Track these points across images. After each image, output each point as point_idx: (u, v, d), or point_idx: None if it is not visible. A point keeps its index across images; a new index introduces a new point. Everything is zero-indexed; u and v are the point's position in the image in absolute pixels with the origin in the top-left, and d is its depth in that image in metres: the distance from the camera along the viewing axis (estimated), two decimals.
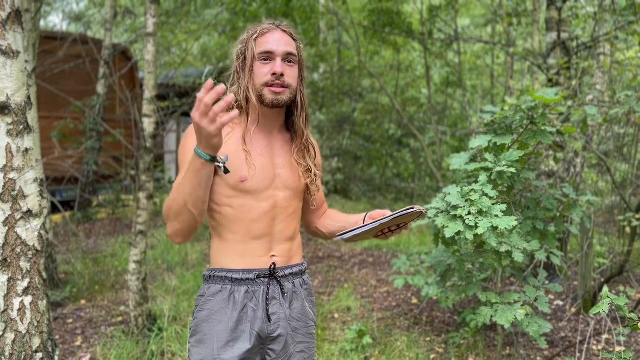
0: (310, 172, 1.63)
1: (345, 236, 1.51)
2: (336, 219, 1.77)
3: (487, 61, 12.80)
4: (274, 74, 1.49)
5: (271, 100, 1.50)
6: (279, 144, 1.61)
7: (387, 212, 1.56)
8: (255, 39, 1.52)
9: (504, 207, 2.09)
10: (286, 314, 1.60)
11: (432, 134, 10.80)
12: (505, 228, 2.05)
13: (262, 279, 1.55)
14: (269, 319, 1.55)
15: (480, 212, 2.09)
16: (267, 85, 1.50)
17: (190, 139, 1.51)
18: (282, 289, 1.58)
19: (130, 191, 9.74)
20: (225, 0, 9.71)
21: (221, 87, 1.19)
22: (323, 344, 3.52)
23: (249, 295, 1.55)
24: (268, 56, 1.50)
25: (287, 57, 1.51)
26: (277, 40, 1.51)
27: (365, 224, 1.50)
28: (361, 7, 10.96)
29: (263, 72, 1.50)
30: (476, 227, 2.06)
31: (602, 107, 4.16)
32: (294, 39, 1.55)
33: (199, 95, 1.20)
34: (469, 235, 2.07)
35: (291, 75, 1.52)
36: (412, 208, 1.46)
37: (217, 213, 1.55)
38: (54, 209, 7.49)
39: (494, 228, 2.06)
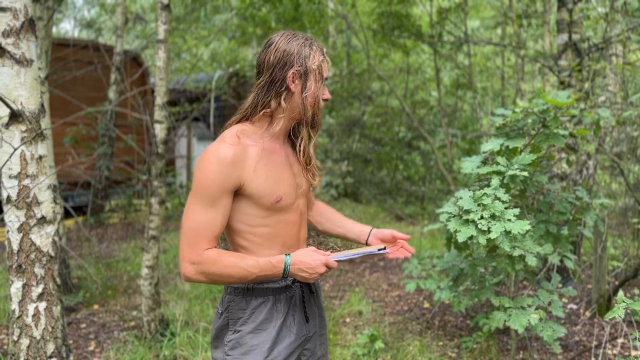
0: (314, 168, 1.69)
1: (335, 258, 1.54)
2: (334, 221, 1.83)
3: (497, 63, 12.74)
4: (325, 99, 1.59)
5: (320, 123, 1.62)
6: (290, 152, 1.65)
7: (396, 233, 1.72)
8: (323, 62, 1.58)
9: (516, 211, 2.08)
10: (315, 312, 1.69)
11: (443, 137, 10.76)
12: (518, 232, 2.03)
13: (296, 283, 1.62)
14: (307, 320, 1.63)
15: (493, 217, 2.08)
16: (320, 108, 1.59)
17: (214, 172, 1.45)
18: (310, 288, 1.67)
19: (141, 196, 9.80)
20: (234, 5, 9.76)
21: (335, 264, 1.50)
22: (335, 348, 3.51)
23: (287, 302, 1.60)
24: (321, 78, 1.58)
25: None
26: (326, 66, 1.60)
27: (346, 252, 1.56)
28: (370, 10, 10.95)
29: (321, 96, 1.58)
30: (489, 231, 2.05)
31: (615, 109, 4.12)
32: None
33: (335, 266, 1.50)
34: (482, 240, 2.05)
35: None
36: (384, 249, 1.55)
37: (250, 234, 1.55)
38: (66, 214, 7.55)
39: (507, 232, 2.04)
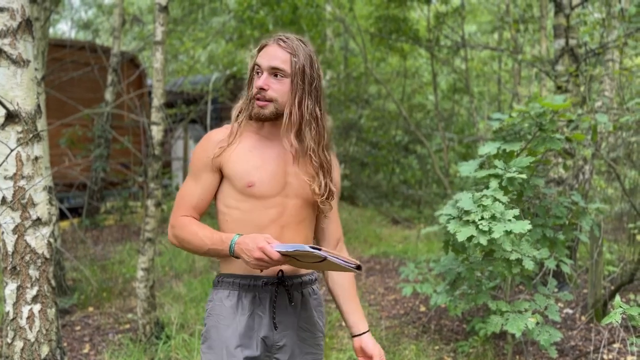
0: (319, 187, 1.58)
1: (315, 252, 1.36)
2: (341, 296, 1.72)
3: (494, 67, 12.77)
4: (258, 87, 1.53)
5: (255, 113, 1.55)
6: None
7: (376, 356, 1.64)
8: (258, 52, 1.57)
9: (516, 211, 2.08)
10: (293, 323, 1.61)
11: (439, 141, 10.77)
12: (516, 235, 2.03)
13: (269, 286, 1.56)
14: (275, 327, 1.57)
15: (494, 217, 2.08)
16: (255, 98, 1.54)
17: (201, 148, 1.60)
18: (289, 298, 1.59)
19: (137, 198, 9.77)
20: (232, 8, 9.77)
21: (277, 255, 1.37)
22: (331, 352, 3.50)
23: (256, 302, 1.57)
24: (258, 70, 1.55)
25: (274, 72, 1.52)
26: (268, 54, 1.53)
27: (299, 244, 1.41)
28: (368, 14, 10.97)
29: (254, 85, 1.56)
30: (490, 232, 2.05)
31: (611, 114, 4.14)
32: (290, 53, 1.52)
33: (274, 257, 1.36)
34: (483, 240, 2.05)
35: (277, 89, 1.53)
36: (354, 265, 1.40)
37: (226, 215, 1.59)
38: (62, 216, 7.51)
39: (508, 233, 2.04)
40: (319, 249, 1.35)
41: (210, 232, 1.53)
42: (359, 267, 1.41)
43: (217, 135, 1.59)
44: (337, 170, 1.69)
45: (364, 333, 1.69)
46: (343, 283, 1.73)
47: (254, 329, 1.55)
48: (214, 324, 1.57)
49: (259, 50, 1.57)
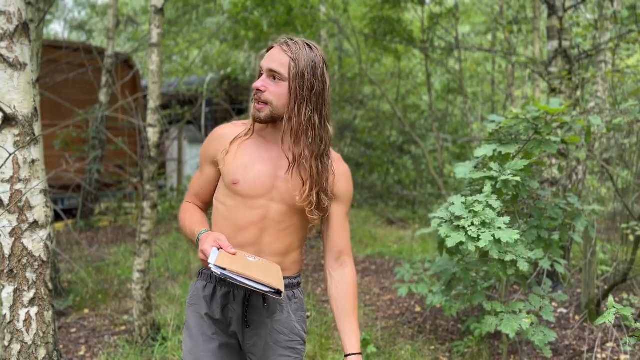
0: (302, 195, 1.56)
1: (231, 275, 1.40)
2: (339, 314, 1.66)
3: (487, 68, 12.83)
4: (255, 88, 1.55)
5: (252, 115, 1.57)
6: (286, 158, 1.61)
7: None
8: (265, 54, 1.59)
9: (507, 219, 2.10)
10: (266, 324, 1.62)
11: (434, 141, 10.81)
12: (508, 240, 2.05)
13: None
14: (247, 325, 1.61)
15: (483, 224, 2.09)
16: (254, 100, 1.56)
17: (205, 142, 1.68)
18: (264, 299, 1.61)
19: (132, 199, 9.74)
20: (226, 9, 9.76)
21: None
22: (327, 353, 3.51)
23: (230, 297, 1.61)
24: (260, 72, 1.57)
25: (272, 74, 1.53)
26: (268, 57, 1.55)
27: (237, 269, 1.41)
28: (362, 15, 10.99)
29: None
30: (478, 238, 2.07)
31: (604, 115, 4.17)
32: (290, 57, 1.52)
33: (202, 257, 1.47)
34: (471, 247, 2.07)
35: (273, 91, 1.53)
36: (275, 290, 1.43)
37: (215, 208, 1.65)
38: (56, 217, 7.48)
39: (497, 240, 2.06)
40: (241, 277, 1.39)
41: (192, 223, 1.62)
42: (279, 293, 1.42)
43: (221, 130, 1.65)
44: (345, 179, 1.67)
45: (351, 355, 1.62)
46: (338, 297, 1.67)
47: (225, 322, 1.62)
48: (192, 314, 1.63)
49: (267, 52, 1.58)
